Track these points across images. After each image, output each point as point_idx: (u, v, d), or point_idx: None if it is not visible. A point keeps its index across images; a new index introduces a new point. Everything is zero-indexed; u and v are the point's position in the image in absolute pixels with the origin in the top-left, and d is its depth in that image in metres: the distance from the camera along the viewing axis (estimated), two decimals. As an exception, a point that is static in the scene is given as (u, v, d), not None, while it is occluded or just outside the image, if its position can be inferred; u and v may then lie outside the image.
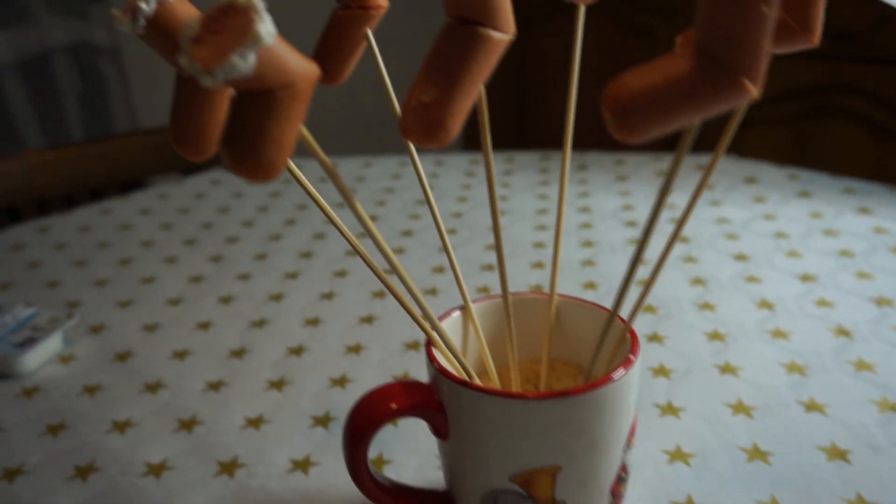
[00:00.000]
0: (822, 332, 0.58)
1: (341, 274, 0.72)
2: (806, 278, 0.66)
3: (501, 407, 0.34)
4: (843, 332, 0.58)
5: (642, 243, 0.31)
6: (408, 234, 0.80)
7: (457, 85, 0.28)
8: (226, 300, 0.69)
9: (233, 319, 0.66)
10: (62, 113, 1.72)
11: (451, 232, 0.79)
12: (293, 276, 0.73)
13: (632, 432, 0.38)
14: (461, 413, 0.36)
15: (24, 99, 1.64)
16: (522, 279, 0.69)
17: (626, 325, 0.37)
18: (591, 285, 0.67)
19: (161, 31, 0.30)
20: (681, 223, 0.35)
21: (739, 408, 0.50)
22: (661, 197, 0.29)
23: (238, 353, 0.61)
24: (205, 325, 0.65)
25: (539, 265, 0.71)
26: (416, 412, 0.37)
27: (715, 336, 0.59)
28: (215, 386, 0.57)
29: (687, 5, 1.66)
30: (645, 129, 0.25)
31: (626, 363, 0.35)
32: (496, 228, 0.36)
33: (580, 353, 0.42)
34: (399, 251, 0.76)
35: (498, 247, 0.37)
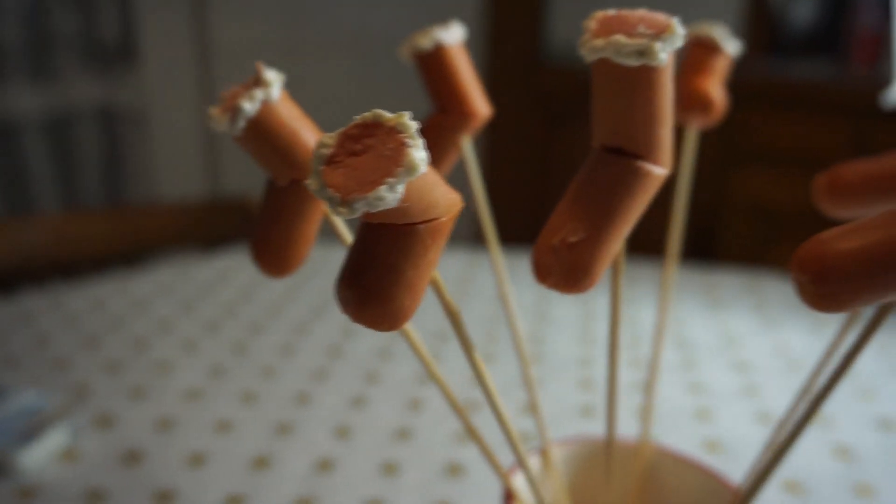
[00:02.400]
0: (908, 490, 0.53)
1: (372, 378, 0.67)
2: None
3: None
4: (931, 491, 0.53)
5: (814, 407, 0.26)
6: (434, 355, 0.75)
7: (609, 224, 0.23)
8: (248, 398, 0.63)
9: (255, 422, 0.60)
10: (82, 176, 1.69)
11: (487, 359, 0.74)
12: (320, 375, 0.67)
13: None
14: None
15: (45, 159, 1.62)
16: (567, 401, 0.64)
17: None
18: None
19: (262, 133, 0.26)
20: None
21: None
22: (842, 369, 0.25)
23: (260, 464, 0.55)
24: (224, 426, 0.59)
25: (586, 384, 0.66)
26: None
27: None
28: (234, 501, 0.51)
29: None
30: (853, 298, 0.21)
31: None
32: (613, 362, 0.31)
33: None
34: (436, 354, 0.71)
35: (611, 388, 0.32)
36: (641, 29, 0.22)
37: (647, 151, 0.24)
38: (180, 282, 0.87)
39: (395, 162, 0.19)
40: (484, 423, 0.60)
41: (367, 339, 0.73)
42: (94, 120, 1.68)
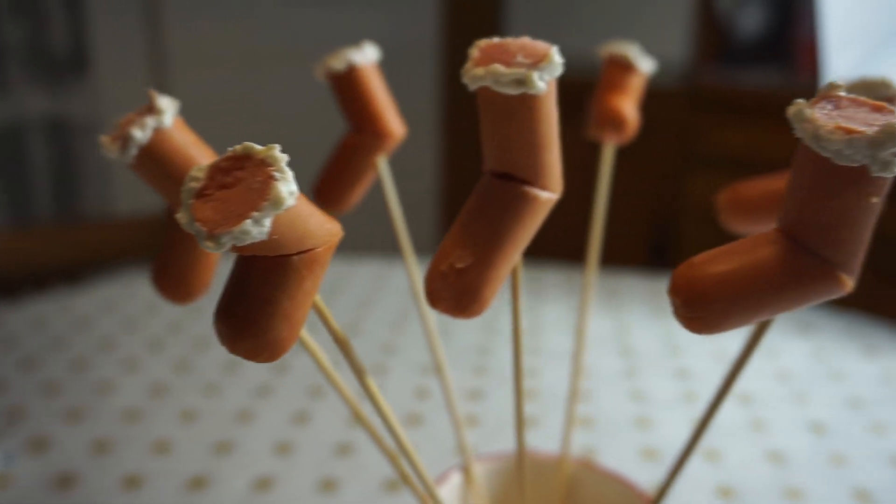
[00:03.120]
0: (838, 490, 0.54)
1: (316, 393, 0.66)
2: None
3: None
4: (861, 494, 0.54)
5: (703, 424, 0.26)
6: (380, 369, 0.75)
7: (497, 249, 0.24)
8: (188, 417, 0.63)
9: (194, 441, 0.59)
10: (34, 190, 1.66)
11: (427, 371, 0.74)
12: (264, 391, 0.67)
13: None
14: None
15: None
16: (511, 411, 0.64)
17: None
18: (587, 422, 0.63)
19: (155, 161, 0.26)
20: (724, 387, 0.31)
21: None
22: (731, 378, 0.25)
23: (198, 483, 0.54)
24: (163, 447, 0.59)
25: (529, 395, 0.67)
26: None
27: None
28: (169, 524, 0.50)
29: (671, 121, 1.69)
30: (722, 321, 0.21)
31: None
32: (518, 378, 0.32)
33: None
34: (378, 369, 0.71)
35: (519, 401, 0.32)
36: (520, 58, 0.22)
37: (533, 177, 0.24)
38: (125, 298, 0.86)
39: (261, 195, 0.19)
40: (423, 438, 0.60)
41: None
42: (45, 131, 1.65)
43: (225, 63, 1.77)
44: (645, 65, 0.39)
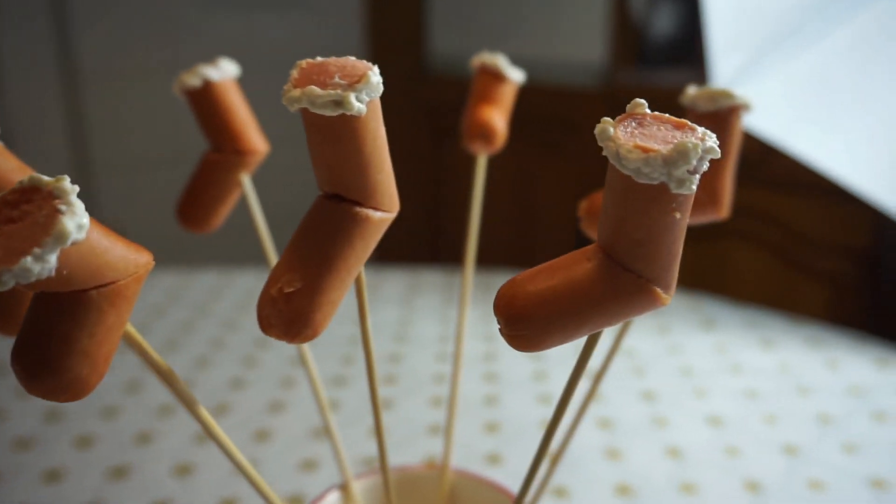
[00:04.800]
0: (732, 484, 0.55)
1: (204, 438, 0.63)
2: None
3: None
4: (753, 485, 0.55)
5: (552, 427, 0.27)
6: (288, 382, 0.73)
7: (327, 272, 0.23)
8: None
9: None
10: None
11: (340, 383, 0.72)
12: (144, 439, 0.65)
13: None
14: None
15: None
16: (420, 418, 0.64)
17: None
18: (492, 427, 0.63)
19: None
20: (590, 394, 0.31)
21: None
22: (571, 385, 0.25)
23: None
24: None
25: (440, 403, 0.67)
26: None
27: (622, 490, 0.55)
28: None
29: (591, 122, 1.72)
30: (543, 339, 0.22)
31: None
32: (374, 400, 0.31)
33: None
34: (276, 407, 0.70)
35: (378, 423, 0.32)
36: (337, 78, 0.22)
37: (363, 197, 0.24)
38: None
39: (45, 230, 0.18)
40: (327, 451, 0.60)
41: (225, 367, 0.72)
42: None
43: (143, 74, 1.72)
44: (515, 75, 0.39)
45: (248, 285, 0.92)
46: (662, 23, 1.74)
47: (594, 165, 1.76)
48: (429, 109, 1.92)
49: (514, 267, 0.82)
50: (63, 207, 0.18)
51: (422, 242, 2.03)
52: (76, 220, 0.18)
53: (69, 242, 0.18)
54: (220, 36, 1.79)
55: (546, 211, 1.85)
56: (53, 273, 0.18)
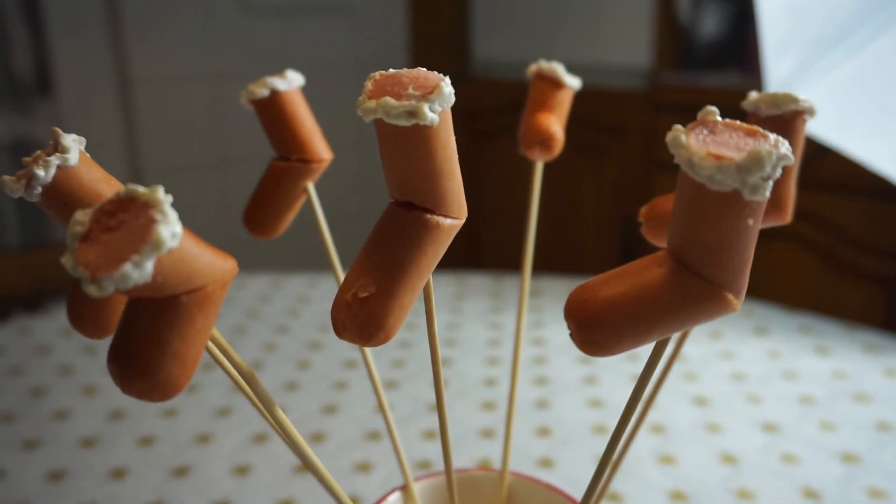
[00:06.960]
0: (788, 491, 0.55)
1: (261, 438, 0.64)
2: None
3: None
4: (810, 493, 0.55)
5: (616, 435, 0.27)
6: (341, 385, 0.74)
7: (400, 278, 0.24)
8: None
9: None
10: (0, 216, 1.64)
11: (391, 386, 0.73)
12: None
13: None
14: None
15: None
16: (471, 422, 0.64)
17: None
18: (544, 431, 0.63)
19: (61, 199, 0.26)
20: (648, 400, 0.32)
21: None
22: (637, 391, 0.25)
23: (153, 510, 0.54)
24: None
25: (490, 406, 0.67)
26: None
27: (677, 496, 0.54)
28: (122, 553, 0.50)
29: (636, 124, 1.71)
30: (614, 344, 0.22)
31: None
32: (439, 402, 0.32)
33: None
34: (329, 410, 0.71)
35: (442, 426, 0.33)
36: (411, 90, 0.23)
37: (434, 204, 0.24)
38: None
39: (142, 238, 0.19)
40: (385, 454, 0.60)
41: (278, 370, 0.73)
42: (8, 155, 1.63)
43: (192, 83, 1.76)
44: (571, 81, 0.40)
45: (299, 290, 0.93)
46: (707, 25, 1.72)
47: (638, 168, 1.74)
48: (469, 113, 1.92)
49: (557, 271, 0.82)
50: (158, 216, 0.19)
51: (461, 246, 2.04)
52: (171, 229, 0.19)
53: (165, 250, 0.19)
54: (263, 44, 1.82)
55: (590, 213, 1.85)
56: (150, 279, 0.19)
